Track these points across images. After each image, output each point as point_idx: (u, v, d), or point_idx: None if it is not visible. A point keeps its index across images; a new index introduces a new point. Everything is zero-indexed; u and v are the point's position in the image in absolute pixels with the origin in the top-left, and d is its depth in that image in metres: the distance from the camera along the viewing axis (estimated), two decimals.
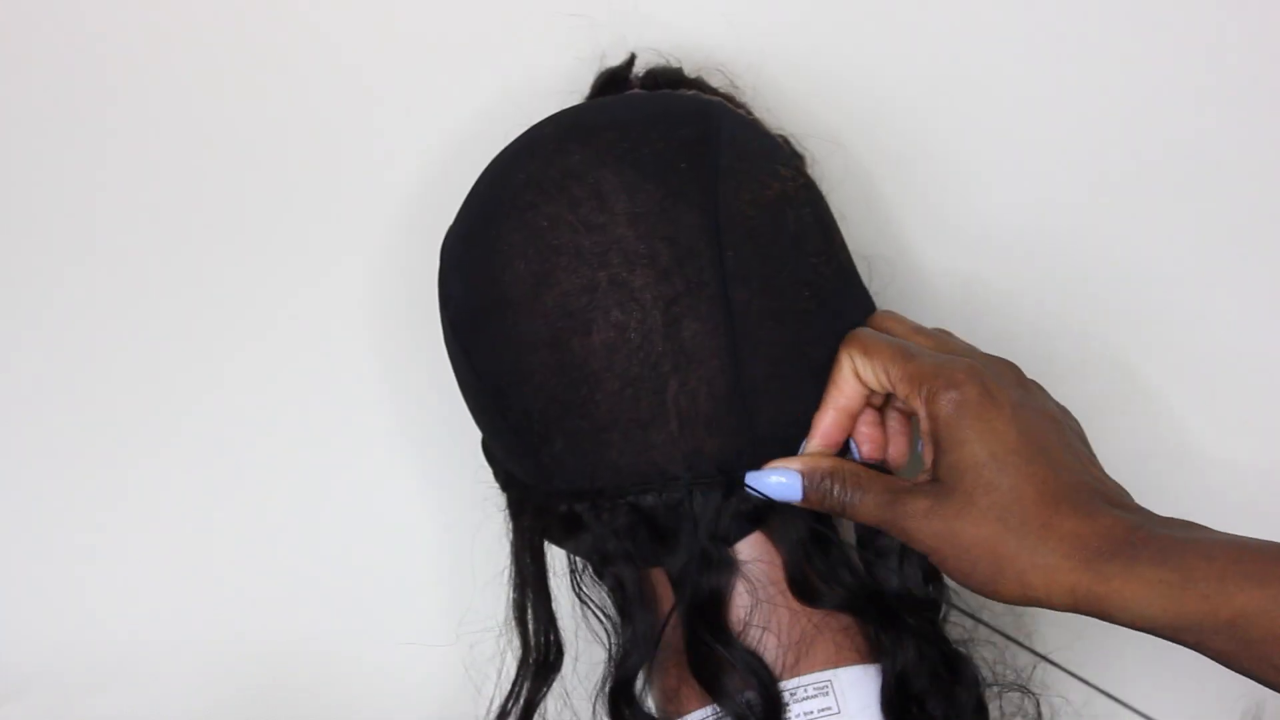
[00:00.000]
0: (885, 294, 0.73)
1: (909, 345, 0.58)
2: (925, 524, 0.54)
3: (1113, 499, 0.54)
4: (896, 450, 0.62)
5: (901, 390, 0.57)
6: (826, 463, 0.58)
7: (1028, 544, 0.52)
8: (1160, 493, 0.76)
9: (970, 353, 0.59)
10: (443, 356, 0.64)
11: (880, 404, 0.61)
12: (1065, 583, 0.52)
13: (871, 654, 0.59)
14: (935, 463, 0.56)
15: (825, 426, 0.59)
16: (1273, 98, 0.74)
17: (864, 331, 0.59)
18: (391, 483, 0.81)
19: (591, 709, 0.60)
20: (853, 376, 0.58)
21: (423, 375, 0.76)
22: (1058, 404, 0.59)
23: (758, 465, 0.58)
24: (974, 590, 0.55)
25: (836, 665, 0.58)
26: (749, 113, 0.69)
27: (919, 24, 0.76)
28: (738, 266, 0.57)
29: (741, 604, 0.58)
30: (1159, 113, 0.75)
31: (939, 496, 0.54)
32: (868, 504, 0.56)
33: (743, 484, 0.57)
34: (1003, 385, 0.56)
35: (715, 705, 0.57)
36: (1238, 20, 0.73)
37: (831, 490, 0.57)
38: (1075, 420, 0.59)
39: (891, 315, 0.62)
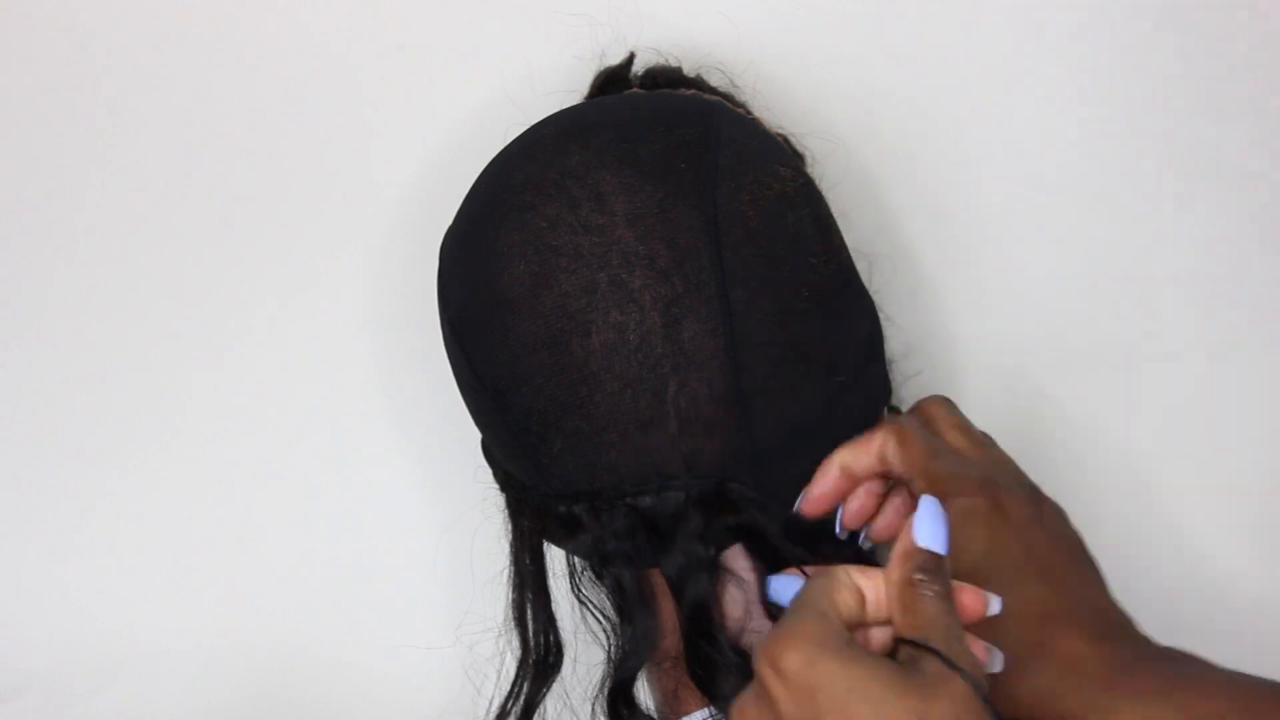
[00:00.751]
0: (885, 294, 0.73)
1: (940, 445, 0.58)
2: None
3: (1114, 627, 0.53)
4: (884, 526, 0.61)
5: (919, 487, 0.57)
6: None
7: (1020, 663, 0.51)
8: (1155, 489, 0.77)
9: (997, 465, 0.58)
10: (442, 356, 0.64)
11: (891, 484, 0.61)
12: (1056, 707, 0.50)
13: None
14: None
15: (830, 481, 0.59)
16: (1273, 97, 0.73)
17: (908, 422, 0.59)
18: (391, 483, 0.81)
19: (591, 710, 0.60)
20: (877, 455, 0.58)
21: (422, 375, 0.76)
22: (1074, 530, 0.58)
23: (757, 468, 0.58)
24: None
25: None
26: (749, 112, 0.69)
27: (919, 22, 0.76)
28: (737, 267, 0.57)
29: (737, 608, 0.58)
30: (1161, 111, 0.74)
31: None
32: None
33: (735, 489, 0.57)
34: (1016, 501, 0.56)
35: (712, 707, 0.57)
36: (1238, 20, 0.73)
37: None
38: (1083, 546, 0.57)
39: (942, 404, 0.62)
